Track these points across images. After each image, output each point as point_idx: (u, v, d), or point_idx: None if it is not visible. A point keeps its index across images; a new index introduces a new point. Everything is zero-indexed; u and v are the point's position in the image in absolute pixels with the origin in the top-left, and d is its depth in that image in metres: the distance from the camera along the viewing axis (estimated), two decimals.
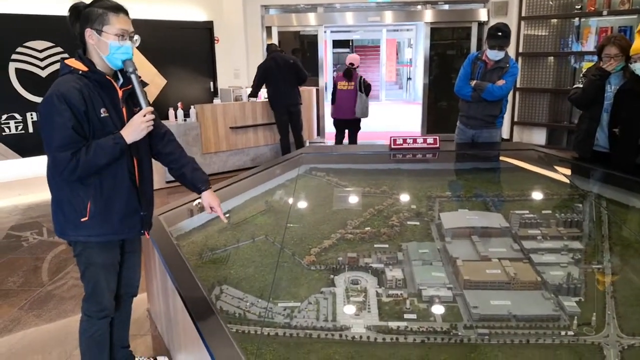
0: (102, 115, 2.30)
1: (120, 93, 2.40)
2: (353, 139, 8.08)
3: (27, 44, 7.39)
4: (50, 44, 7.59)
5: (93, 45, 2.31)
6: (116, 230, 2.45)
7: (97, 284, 2.52)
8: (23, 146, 7.49)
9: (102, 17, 2.27)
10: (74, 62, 2.31)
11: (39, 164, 7.45)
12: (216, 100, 8.18)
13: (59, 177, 2.29)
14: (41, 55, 7.54)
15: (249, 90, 8.22)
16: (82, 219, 2.35)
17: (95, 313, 2.57)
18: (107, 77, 2.35)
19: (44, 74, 7.59)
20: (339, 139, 8.15)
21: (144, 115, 2.35)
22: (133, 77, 2.37)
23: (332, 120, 8.14)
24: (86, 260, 2.47)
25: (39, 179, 7.26)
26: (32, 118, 7.51)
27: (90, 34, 2.28)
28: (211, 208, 2.69)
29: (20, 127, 7.43)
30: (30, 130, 7.53)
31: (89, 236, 2.40)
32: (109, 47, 2.28)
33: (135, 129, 2.34)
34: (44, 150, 2.27)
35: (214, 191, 2.77)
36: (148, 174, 2.60)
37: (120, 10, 2.32)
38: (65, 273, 4.41)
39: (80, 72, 2.28)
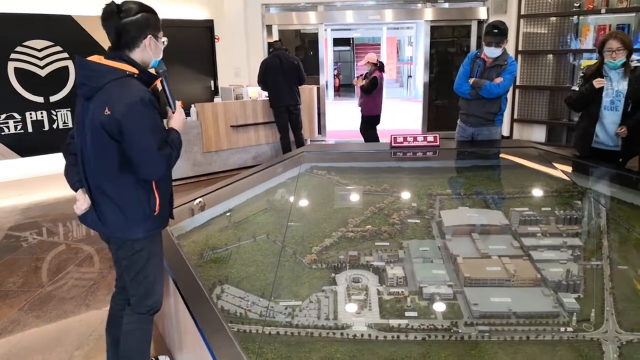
0: None
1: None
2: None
3: (26, 43, 7.39)
4: (50, 43, 7.59)
5: (146, 49, 2.32)
6: (166, 222, 2.56)
7: (157, 276, 2.53)
8: (22, 146, 7.50)
9: (157, 23, 2.34)
10: (127, 67, 2.26)
11: (38, 164, 7.48)
12: (217, 99, 8.18)
13: (168, 172, 2.40)
14: (40, 55, 7.53)
15: (250, 88, 8.21)
16: (154, 213, 2.39)
17: (148, 309, 2.53)
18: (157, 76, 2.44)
19: (43, 73, 7.59)
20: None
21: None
22: (165, 75, 2.47)
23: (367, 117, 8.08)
24: (148, 254, 2.45)
25: (38, 179, 7.36)
26: (31, 118, 7.52)
27: (150, 40, 2.31)
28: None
29: (19, 127, 7.43)
30: (30, 130, 7.53)
31: (153, 229, 2.44)
32: (161, 51, 2.41)
33: (182, 124, 2.48)
34: (141, 155, 2.23)
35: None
36: None
37: None
38: (65, 273, 4.41)
39: (135, 75, 2.27)
